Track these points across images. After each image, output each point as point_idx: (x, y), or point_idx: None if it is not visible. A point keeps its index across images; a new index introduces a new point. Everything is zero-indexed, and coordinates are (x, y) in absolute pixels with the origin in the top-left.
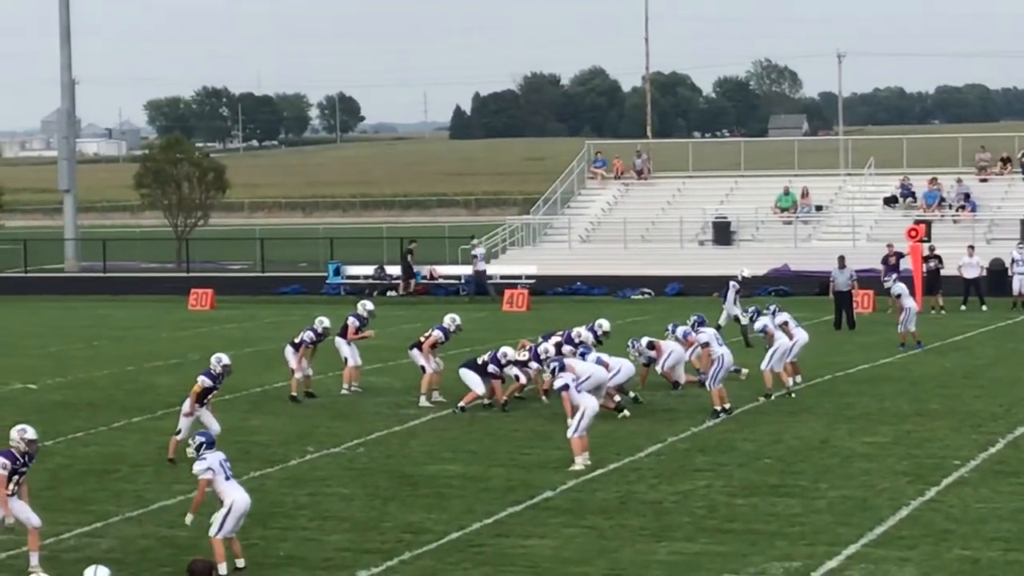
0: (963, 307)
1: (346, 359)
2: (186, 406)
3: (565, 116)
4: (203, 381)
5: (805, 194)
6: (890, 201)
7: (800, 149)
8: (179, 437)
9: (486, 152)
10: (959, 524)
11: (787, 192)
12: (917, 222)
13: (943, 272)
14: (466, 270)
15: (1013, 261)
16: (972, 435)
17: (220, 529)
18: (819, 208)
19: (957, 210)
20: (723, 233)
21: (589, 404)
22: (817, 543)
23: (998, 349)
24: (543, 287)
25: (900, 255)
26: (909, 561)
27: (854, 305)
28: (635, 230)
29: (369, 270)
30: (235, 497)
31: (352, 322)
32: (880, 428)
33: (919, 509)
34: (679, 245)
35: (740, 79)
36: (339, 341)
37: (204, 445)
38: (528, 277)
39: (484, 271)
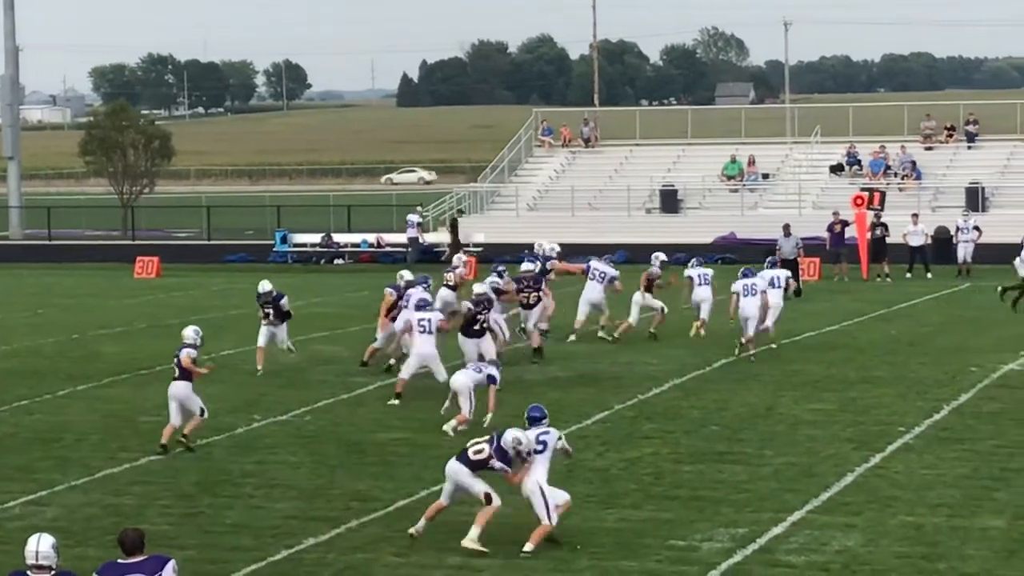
0: (908, 275)
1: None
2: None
3: (513, 84)
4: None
5: (752, 162)
6: (836, 169)
7: (747, 117)
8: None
9: (433, 120)
10: (904, 490)
11: (734, 160)
12: (863, 190)
13: (889, 240)
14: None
15: (958, 229)
16: (917, 402)
17: None
18: (766, 176)
19: (902, 178)
20: (670, 201)
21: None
22: (763, 510)
23: (943, 316)
24: (491, 255)
25: (845, 223)
26: (854, 527)
27: (800, 273)
28: (582, 198)
29: (316, 238)
30: None
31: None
32: (826, 395)
33: (864, 476)
34: (626, 213)
35: (687, 47)
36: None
37: None
38: (476, 245)
39: (417, 238)
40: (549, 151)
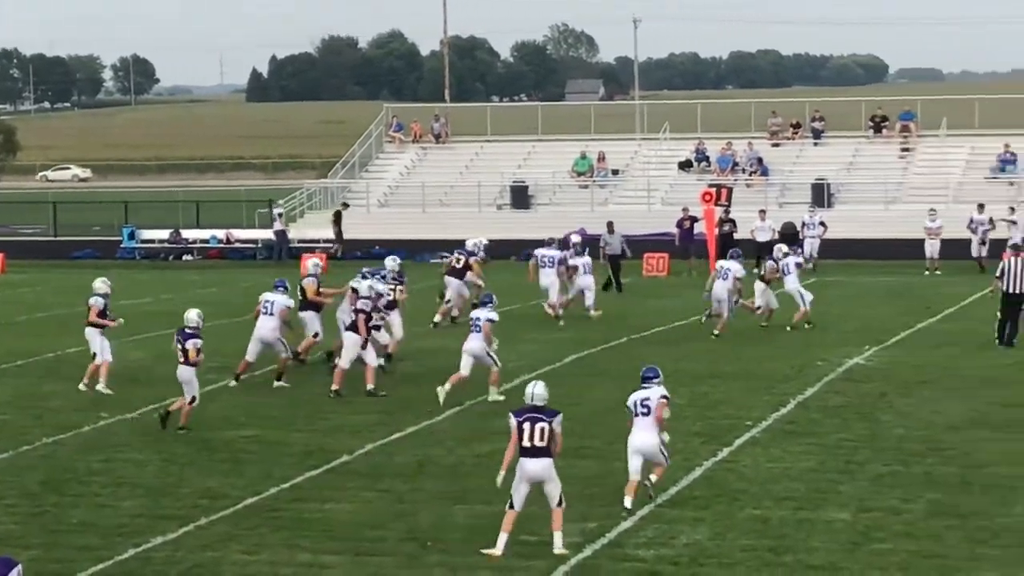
0: (756, 270)
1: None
2: None
3: (363, 79)
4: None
5: (602, 158)
6: (685, 165)
7: (597, 114)
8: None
9: (283, 115)
10: (751, 484)
11: (584, 156)
12: (712, 186)
13: (736, 236)
14: (263, 234)
15: (804, 224)
16: (764, 396)
17: None
18: (615, 172)
19: (750, 174)
20: (521, 197)
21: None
22: (613, 504)
23: (789, 311)
24: (341, 251)
25: (694, 219)
26: (702, 521)
27: (620, 269)
28: (433, 194)
29: (165, 234)
30: None
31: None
32: (675, 390)
33: (712, 469)
34: (477, 209)
35: (538, 44)
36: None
37: None
38: (326, 241)
39: (284, 231)
40: (400, 147)
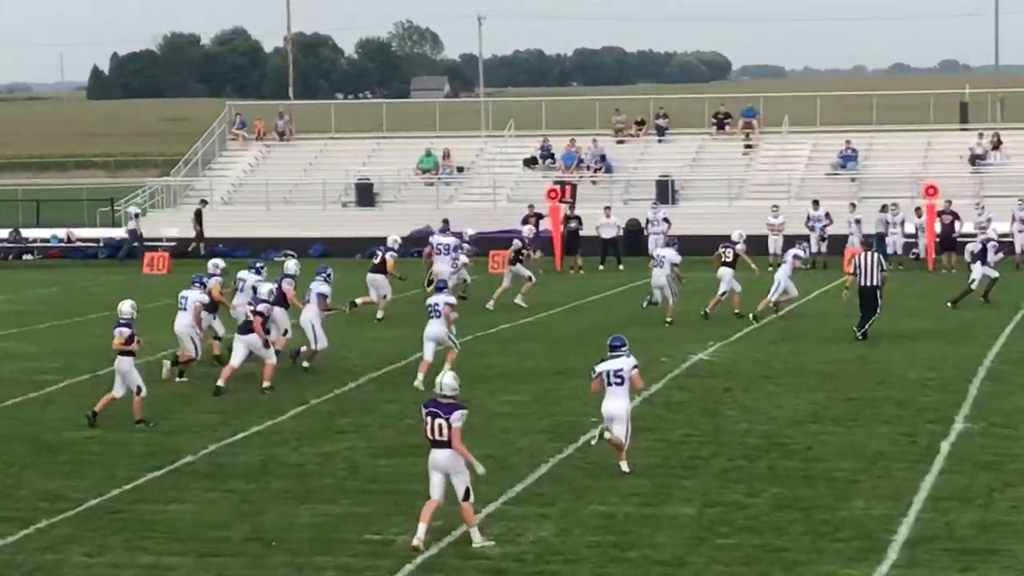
0: (601, 267)
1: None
2: None
3: (206, 76)
4: None
5: (447, 155)
6: (530, 162)
7: (442, 111)
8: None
9: (126, 113)
10: (596, 480)
11: (429, 154)
12: (557, 183)
13: (582, 232)
14: (105, 233)
15: (648, 221)
16: None
17: None
18: (461, 169)
19: (595, 171)
20: (366, 194)
21: None
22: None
23: (635, 308)
24: (184, 249)
25: (540, 216)
26: (548, 517)
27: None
28: (277, 192)
29: (4, 233)
30: None
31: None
32: (521, 387)
33: (558, 466)
34: (322, 207)
35: (382, 41)
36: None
37: None
38: (169, 239)
39: (135, 230)
40: (243, 145)
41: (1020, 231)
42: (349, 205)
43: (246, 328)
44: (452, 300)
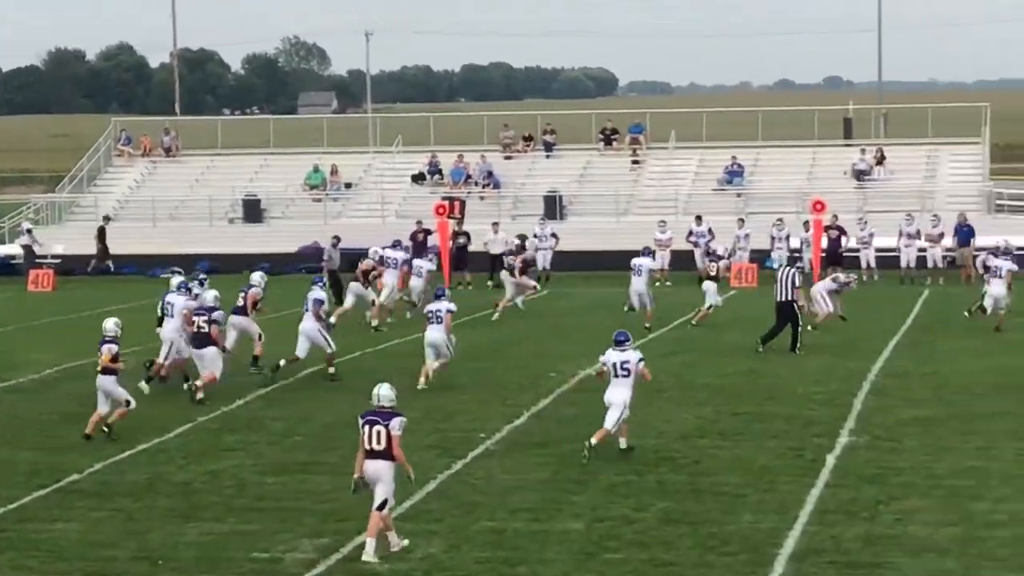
0: (490, 282)
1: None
2: None
3: (91, 92)
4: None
5: (335, 171)
6: (418, 178)
7: (329, 126)
8: None
9: (11, 129)
10: (485, 495)
11: (316, 170)
12: (445, 199)
13: (471, 248)
14: None
15: (536, 236)
16: (499, 408)
17: None
18: (348, 185)
19: (483, 187)
20: (253, 211)
21: None
22: (347, 519)
23: (525, 323)
24: (70, 266)
25: (428, 231)
26: (436, 534)
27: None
28: (164, 208)
29: None
30: None
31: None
32: (410, 403)
33: (446, 482)
34: (209, 223)
35: (269, 56)
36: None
37: None
38: (55, 256)
39: (30, 245)
40: (129, 161)
41: (907, 246)
42: (236, 221)
43: (202, 342)
44: (453, 307)
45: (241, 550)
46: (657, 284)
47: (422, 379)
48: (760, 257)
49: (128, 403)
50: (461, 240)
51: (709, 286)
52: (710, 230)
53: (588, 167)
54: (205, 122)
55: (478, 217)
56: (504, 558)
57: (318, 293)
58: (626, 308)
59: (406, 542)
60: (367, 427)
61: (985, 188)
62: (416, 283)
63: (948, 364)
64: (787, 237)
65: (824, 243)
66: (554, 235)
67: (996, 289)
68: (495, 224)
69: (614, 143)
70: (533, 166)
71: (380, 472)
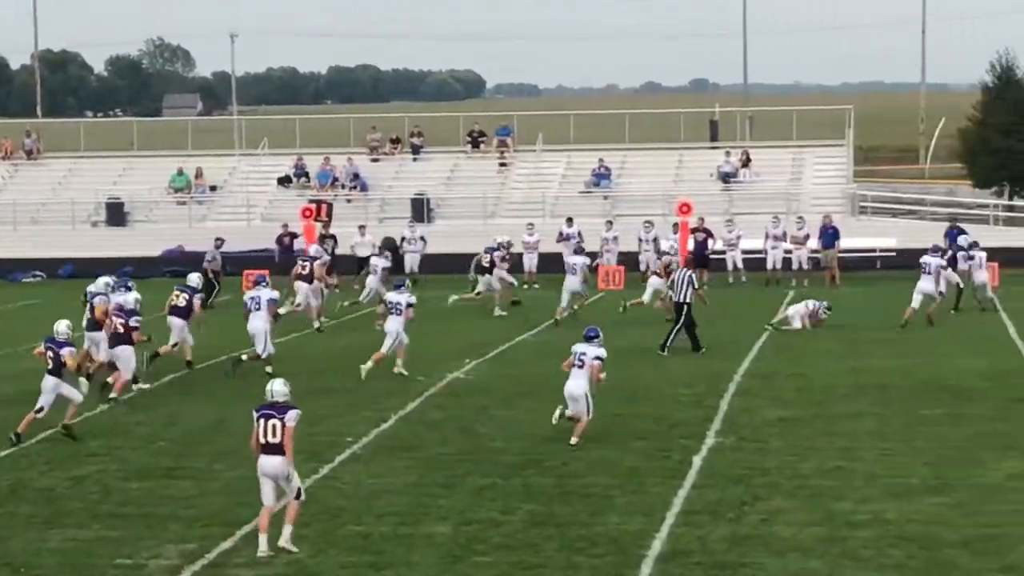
0: (356, 286)
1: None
2: None
3: None
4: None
5: (199, 174)
6: (284, 181)
7: (194, 129)
8: None
9: None
10: (352, 500)
11: (181, 172)
12: (312, 202)
13: (338, 251)
14: None
15: (403, 239)
16: (366, 412)
17: None
18: (213, 188)
19: (350, 190)
20: (117, 214)
21: None
22: (212, 524)
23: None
24: None
25: (294, 235)
26: (303, 539)
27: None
28: (25, 212)
29: None
30: None
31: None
32: None
33: (313, 487)
34: (71, 226)
35: (132, 58)
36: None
37: None
38: None
39: None
40: None
41: (773, 248)
42: (99, 225)
43: (118, 341)
44: (413, 300)
45: (105, 556)
46: (525, 287)
47: (371, 363)
48: (627, 260)
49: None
50: (328, 243)
51: (656, 281)
52: (580, 233)
53: (456, 169)
54: (68, 124)
55: (345, 220)
56: (370, 562)
57: (272, 293)
58: (568, 312)
59: (294, 550)
60: (262, 420)
61: (849, 190)
62: (372, 281)
63: (812, 365)
64: (655, 239)
65: (691, 245)
66: (422, 238)
67: (925, 285)
68: (362, 227)
69: (482, 145)
70: (400, 168)
71: (278, 467)
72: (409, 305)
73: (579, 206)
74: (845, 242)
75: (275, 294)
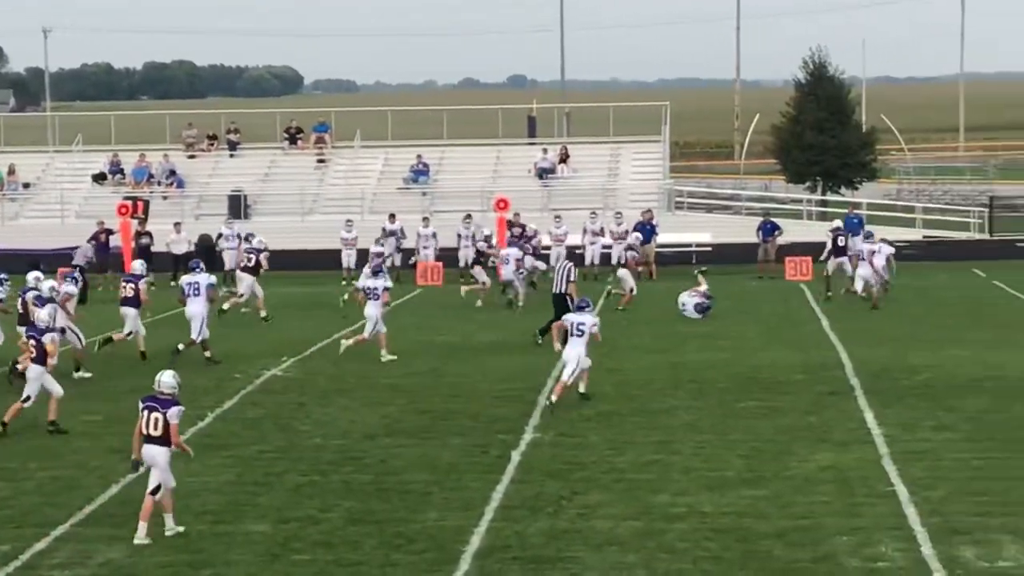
0: (173, 283)
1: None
2: None
3: None
4: None
5: (12, 171)
6: (99, 178)
7: (7, 125)
8: None
9: None
10: (176, 498)
11: None
12: (127, 199)
13: (154, 248)
14: None
15: (220, 236)
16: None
17: None
18: (27, 185)
19: (166, 187)
20: None
21: None
22: (25, 525)
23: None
24: None
25: (110, 232)
26: (119, 539)
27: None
28: None
29: None
30: None
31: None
32: (96, 406)
33: (130, 486)
34: None
35: None
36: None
37: None
38: None
39: None
40: None
41: (592, 243)
42: None
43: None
44: (390, 284)
45: None
46: (344, 283)
47: (350, 342)
48: (447, 256)
49: (27, 400)
50: (144, 240)
51: (624, 273)
52: (402, 230)
53: (273, 166)
54: None
55: (162, 217)
56: (188, 561)
57: (211, 278)
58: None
59: (181, 528)
60: (146, 412)
61: (665, 185)
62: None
63: (630, 360)
64: (473, 235)
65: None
66: (239, 235)
67: (863, 271)
68: (177, 224)
69: (299, 142)
70: (217, 165)
71: (155, 457)
72: (386, 289)
73: (397, 203)
74: (661, 237)
75: (213, 279)
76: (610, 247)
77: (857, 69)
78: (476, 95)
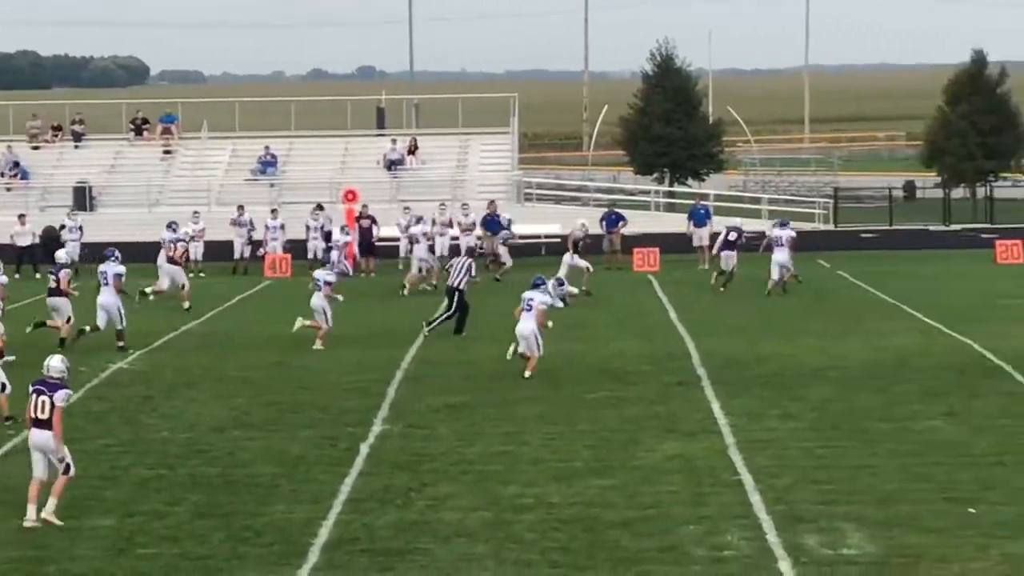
0: (17, 275)
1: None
2: None
3: None
4: None
5: None
6: None
7: None
8: None
9: None
10: (13, 494)
11: None
12: None
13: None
14: None
15: (62, 227)
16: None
17: None
18: None
19: (10, 178)
20: None
21: None
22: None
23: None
24: None
25: None
26: None
27: None
28: None
29: None
30: None
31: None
32: None
33: None
34: None
35: None
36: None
37: None
38: None
39: None
40: None
41: (440, 235)
42: None
43: None
44: (332, 278)
45: None
46: (191, 275)
47: (305, 322)
48: (295, 248)
49: (3, 387)
50: None
51: (574, 259)
52: (251, 221)
53: (118, 157)
54: None
55: (5, 209)
56: (33, 557)
57: (118, 267)
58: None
59: (61, 523)
60: (34, 395)
61: (514, 177)
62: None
63: (480, 350)
64: (322, 227)
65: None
66: (80, 228)
67: (779, 256)
68: (22, 216)
69: (145, 133)
70: (62, 156)
71: (46, 442)
72: (327, 283)
73: (245, 194)
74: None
75: (122, 269)
76: (458, 238)
77: (704, 61)
78: (325, 86)
